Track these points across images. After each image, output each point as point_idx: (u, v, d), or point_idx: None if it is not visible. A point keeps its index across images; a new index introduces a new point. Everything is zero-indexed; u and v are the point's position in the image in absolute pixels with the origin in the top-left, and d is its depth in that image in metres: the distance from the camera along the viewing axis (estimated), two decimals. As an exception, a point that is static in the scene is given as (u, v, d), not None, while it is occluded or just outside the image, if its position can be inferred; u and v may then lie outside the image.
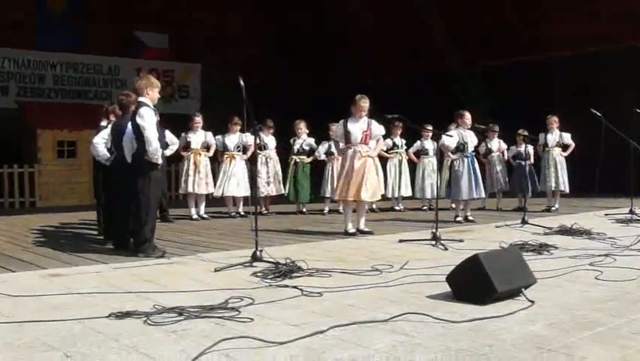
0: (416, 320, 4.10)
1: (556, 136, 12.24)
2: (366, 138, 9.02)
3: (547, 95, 15.47)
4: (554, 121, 12.24)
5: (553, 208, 12.12)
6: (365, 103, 8.95)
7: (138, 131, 7.13)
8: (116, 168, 7.82)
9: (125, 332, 3.94)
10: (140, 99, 7.27)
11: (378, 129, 9.17)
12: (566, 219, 9.98)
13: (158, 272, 6.13)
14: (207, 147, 11.73)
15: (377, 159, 9.35)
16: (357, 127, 8.97)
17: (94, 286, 5.44)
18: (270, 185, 12.19)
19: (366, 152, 8.96)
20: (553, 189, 12.26)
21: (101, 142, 8.45)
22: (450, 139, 10.26)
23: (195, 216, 11.63)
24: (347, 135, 8.98)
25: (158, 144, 7.15)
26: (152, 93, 7.33)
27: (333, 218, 11.47)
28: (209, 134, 11.72)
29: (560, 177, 12.15)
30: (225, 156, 11.75)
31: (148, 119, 7.11)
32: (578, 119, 12.00)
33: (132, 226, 7.36)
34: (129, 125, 7.58)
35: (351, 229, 8.99)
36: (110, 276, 5.98)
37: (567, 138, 12.25)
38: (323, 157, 12.59)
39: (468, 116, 10.48)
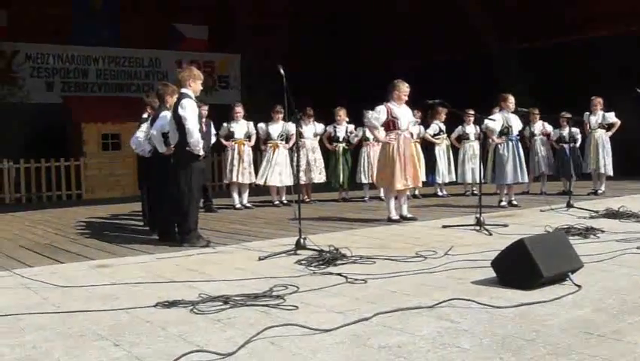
0: (461, 305, 4.08)
1: (599, 117, 12.01)
2: (409, 124, 9.05)
3: (589, 76, 15.17)
4: (599, 102, 12.03)
5: (599, 191, 11.91)
6: (406, 87, 8.88)
7: (180, 123, 7.18)
8: (158, 159, 7.90)
9: (172, 320, 3.99)
10: (183, 90, 7.32)
11: (412, 116, 9.28)
12: (613, 202, 9.81)
13: (203, 261, 6.19)
14: (249, 137, 11.78)
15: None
16: (403, 113, 8.89)
17: (140, 276, 5.52)
18: (311, 173, 12.21)
19: (413, 138, 9.10)
20: (592, 171, 12.07)
21: (141, 135, 8.57)
22: (494, 122, 10.12)
23: (239, 206, 11.70)
24: (394, 122, 8.85)
25: (199, 135, 7.19)
26: (194, 85, 7.37)
27: (376, 205, 11.45)
28: (251, 123, 11.77)
29: (601, 159, 11.92)
30: (269, 145, 11.79)
31: (190, 110, 7.15)
32: (620, 101, 11.77)
33: (176, 217, 7.44)
34: (160, 115, 7.68)
35: (395, 215, 8.94)
36: (155, 266, 6.06)
37: (611, 116, 11.99)
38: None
39: (512, 99, 10.30)
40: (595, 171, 12.07)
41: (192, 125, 7.13)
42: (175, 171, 7.30)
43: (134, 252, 6.99)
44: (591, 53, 16.07)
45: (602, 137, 11.98)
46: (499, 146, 10.33)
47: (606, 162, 11.94)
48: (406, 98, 8.91)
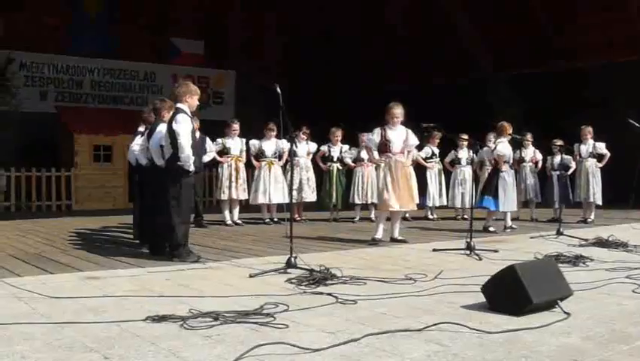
0: (451, 329, 4.09)
1: (590, 147, 12.08)
2: (403, 148, 9.01)
3: (577, 104, 15.33)
4: (589, 132, 12.07)
5: (589, 220, 11.97)
6: (398, 109, 8.91)
7: (173, 137, 7.19)
8: (150, 172, 7.90)
9: (162, 335, 3.99)
10: (178, 105, 7.33)
11: (414, 139, 9.10)
12: (602, 231, 9.86)
13: (193, 277, 6.19)
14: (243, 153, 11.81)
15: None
16: (397, 135, 8.92)
17: (130, 289, 5.51)
18: (303, 192, 12.23)
19: (404, 163, 8.97)
20: (582, 200, 12.13)
21: (137, 148, 8.57)
22: (506, 149, 10.28)
23: (229, 222, 11.70)
24: (387, 144, 8.90)
25: (190, 151, 7.20)
26: (190, 100, 7.39)
27: (366, 226, 11.47)
28: (244, 140, 11.80)
29: (591, 188, 11.97)
30: (264, 162, 11.80)
31: (183, 125, 7.17)
32: (608, 130, 11.86)
33: (165, 231, 7.44)
34: (157, 129, 7.68)
35: (380, 235, 8.99)
36: (145, 280, 6.05)
37: (602, 147, 12.07)
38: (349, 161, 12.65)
39: (510, 129, 10.46)
40: (585, 200, 12.13)
41: (185, 140, 7.14)
42: (165, 184, 7.30)
43: (124, 265, 6.97)
44: (579, 81, 16.23)
45: (593, 166, 12.05)
46: (504, 173, 10.38)
47: (595, 191, 12.00)
48: (399, 120, 8.92)
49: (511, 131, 10.46)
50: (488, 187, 10.46)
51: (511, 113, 16.38)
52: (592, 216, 12.06)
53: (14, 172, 16.14)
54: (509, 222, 10.69)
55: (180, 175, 7.26)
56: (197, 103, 7.52)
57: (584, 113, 13.76)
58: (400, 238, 9.08)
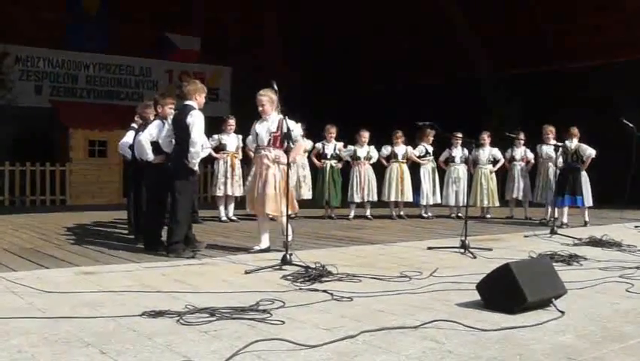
0: (446, 327, 4.11)
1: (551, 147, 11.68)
2: (276, 141, 7.59)
3: (575, 105, 15.35)
4: (550, 131, 11.77)
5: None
6: (261, 96, 7.55)
7: (185, 132, 7.18)
8: (148, 167, 7.89)
9: (159, 330, 4.00)
10: (188, 103, 7.33)
11: (293, 129, 7.43)
12: (596, 230, 9.90)
13: (189, 273, 6.20)
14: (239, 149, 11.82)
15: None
16: (263, 127, 7.65)
17: (126, 284, 5.52)
18: (294, 189, 12.21)
19: (275, 159, 7.54)
20: (543, 201, 12.11)
21: (128, 141, 8.61)
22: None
23: (224, 218, 11.72)
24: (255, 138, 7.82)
25: (200, 148, 7.24)
26: (199, 98, 7.37)
27: (361, 223, 11.50)
28: (240, 137, 11.80)
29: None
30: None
31: (198, 120, 7.18)
32: (606, 130, 11.88)
33: (158, 227, 7.52)
34: (153, 123, 7.72)
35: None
36: (141, 275, 6.06)
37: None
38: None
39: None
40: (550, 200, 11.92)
41: (197, 135, 7.16)
42: (172, 180, 7.31)
43: (120, 260, 6.98)
44: (577, 81, 16.26)
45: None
46: (584, 172, 11.13)
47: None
48: (266, 109, 7.54)
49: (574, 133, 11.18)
50: (568, 186, 11.03)
51: (509, 112, 16.50)
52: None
53: (8, 166, 16.11)
54: (587, 217, 11.28)
55: (186, 172, 7.27)
56: (204, 101, 7.50)
57: (582, 113, 13.80)
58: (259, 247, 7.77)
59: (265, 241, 7.73)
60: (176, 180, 7.26)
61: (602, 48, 15.84)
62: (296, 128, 7.52)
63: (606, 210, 12.91)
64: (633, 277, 5.98)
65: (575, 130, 11.21)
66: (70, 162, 16.96)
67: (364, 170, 12.41)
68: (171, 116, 7.66)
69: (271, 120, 7.56)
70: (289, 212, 7.06)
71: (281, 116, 7.34)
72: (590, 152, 11.19)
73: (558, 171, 11.10)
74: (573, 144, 11.31)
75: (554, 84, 16.60)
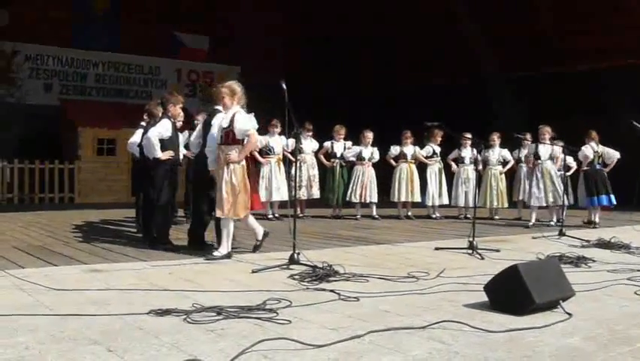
0: (453, 328, 4.10)
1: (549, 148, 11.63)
2: (229, 137, 7.02)
3: (580, 106, 15.30)
4: (547, 131, 11.45)
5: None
6: (223, 87, 7.15)
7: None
8: (157, 166, 7.88)
9: (165, 329, 4.00)
10: (216, 107, 7.44)
11: (242, 124, 6.96)
12: (605, 232, 9.86)
13: (196, 271, 6.21)
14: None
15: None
16: (216, 122, 7.26)
17: (133, 283, 5.53)
18: (306, 188, 12.24)
19: (230, 157, 6.97)
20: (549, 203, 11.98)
21: (137, 139, 8.69)
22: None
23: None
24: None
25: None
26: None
27: (368, 223, 11.49)
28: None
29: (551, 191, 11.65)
30: (273, 159, 11.83)
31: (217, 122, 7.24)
32: (612, 132, 11.82)
33: (165, 225, 7.78)
34: (161, 122, 7.79)
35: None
36: (148, 273, 6.07)
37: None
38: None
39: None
40: (553, 202, 11.80)
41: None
42: (203, 178, 7.51)
43: (127, 258, 6.99)
44: (583, 83, 16.21)
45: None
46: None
47: (560, 193, 11.51)
48: (225, 102, 7.07)
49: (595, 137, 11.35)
50: (598, 186, 11.27)
51: (515, 113, 16.43)
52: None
53: (17, 164, 16.17)
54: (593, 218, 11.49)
55: (205, 170, 7.39)
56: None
57: (589, 115, 13.73)
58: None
59: (225, 246, 7.09)
60: (202, 180, 7.55)
61: (610, 50, 15.78)
62: (247, 123, 6.93)
63: (615, 212, 12.87)
64: (642, 280, 5.96)
65: (594, 133, 11.34)
66: (78, 160, 17.00)
67: (367, 170, 12.42)
68: (181, 117, 7.73)
69: (228, 115, 7.01)
70: (299, 213, 7.07)
71: (238, 108, 6.97)
72: (617, 155, 11.52)
73: (582, 173, 11.49)
74: (600, 147, 11.49)
75: (561, 86, 16.54)
